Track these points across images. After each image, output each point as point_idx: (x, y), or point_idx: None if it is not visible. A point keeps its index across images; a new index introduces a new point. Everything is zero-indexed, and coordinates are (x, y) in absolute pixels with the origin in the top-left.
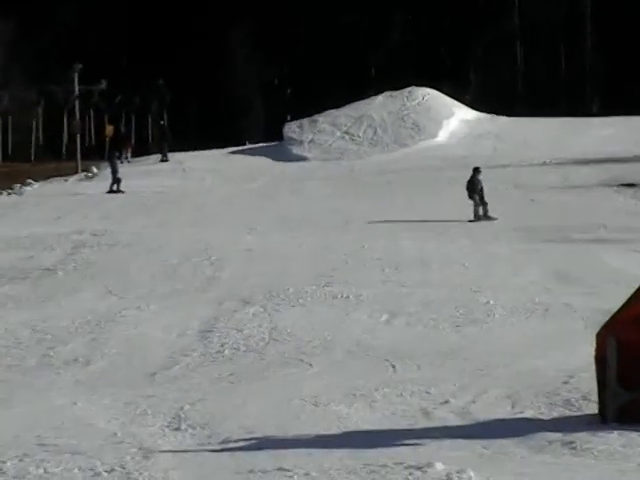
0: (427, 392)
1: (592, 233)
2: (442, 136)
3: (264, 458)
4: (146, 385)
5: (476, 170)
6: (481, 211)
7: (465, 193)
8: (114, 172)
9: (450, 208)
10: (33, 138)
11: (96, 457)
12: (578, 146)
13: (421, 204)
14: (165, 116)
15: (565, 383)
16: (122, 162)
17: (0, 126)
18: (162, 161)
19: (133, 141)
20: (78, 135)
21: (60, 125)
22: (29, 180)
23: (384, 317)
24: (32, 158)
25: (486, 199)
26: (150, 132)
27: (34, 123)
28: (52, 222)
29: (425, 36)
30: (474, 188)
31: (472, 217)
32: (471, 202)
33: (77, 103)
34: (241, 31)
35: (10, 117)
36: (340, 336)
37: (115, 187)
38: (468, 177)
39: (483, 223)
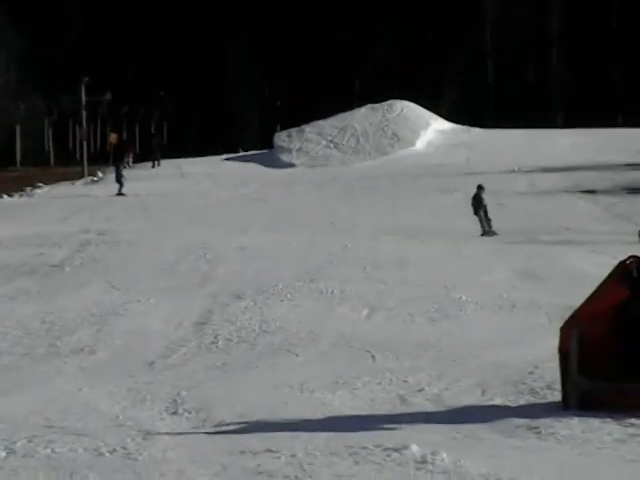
0: (404, 381)
1: (556, 235)
2: (419, 145)
3: (254, 440)
4: (146, 373)
5: (480, 188)
6: (486, 226)
7: (440, 199)
8: (118, 177)
9: (427, 212)
10: (50, 145)
11: (99, 438)
12: (544, 155)
13: (400, 208)
14: (167, 125)
15: (531, 373)
16: (124, 167)
17: (18, 133)
18: (155, 166)
19: (138, 149)
20: (85, 142)
21: (68, 133)
22: (39, 183)
23: (365, 312)
24: (51, 163)
25: (490, 215)
26: (152, 140)
27: (46, 131)
28: (60, 222)
29: (404, 54)
30: (479, 205)
31: (481, 232)
32: (476, 218)
33: (84, 113)
34: (237, 47)
35: (19, 125)
36: (325, 329)
37: (119, 191)
38: (473, 194)
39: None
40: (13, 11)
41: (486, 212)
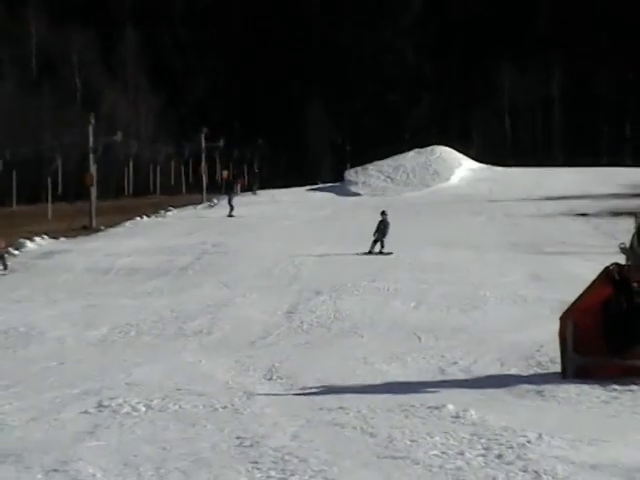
0: (442, 356)
1: (557, 247)
2: (454, 180)
3: (330, 400)
4: (249, 349)
5: (383, 213)
6: (378, 247)
7: (469, 219)
8: (229, 202)
9: (459, 229)
10: (180, 179)
11: (214, 398)
12: (548, 187)
13: (439, 226)
14: (264, 164)
15: (537, 351)
16: (234, 195)
17: (157, 170)
18: (253, 194)
19: (246, 181)
20: (204, 177)
21: (190, 170)
22: (170, 207)
23: (413, 304)
24: (180, 192)
25: (385, 239)
26: (252, 175)
27: (174, 168)
28: (185, 236)
29: (443, 112)
30: (378, 228)
31: (367, 250)
32: (373, 238)
33: (204, 155)
34: (316, 107)
35: (158, 164)
36: (382, 317)
37: (230, 213)
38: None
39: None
40: (152, 79)
41: (385, 235)
